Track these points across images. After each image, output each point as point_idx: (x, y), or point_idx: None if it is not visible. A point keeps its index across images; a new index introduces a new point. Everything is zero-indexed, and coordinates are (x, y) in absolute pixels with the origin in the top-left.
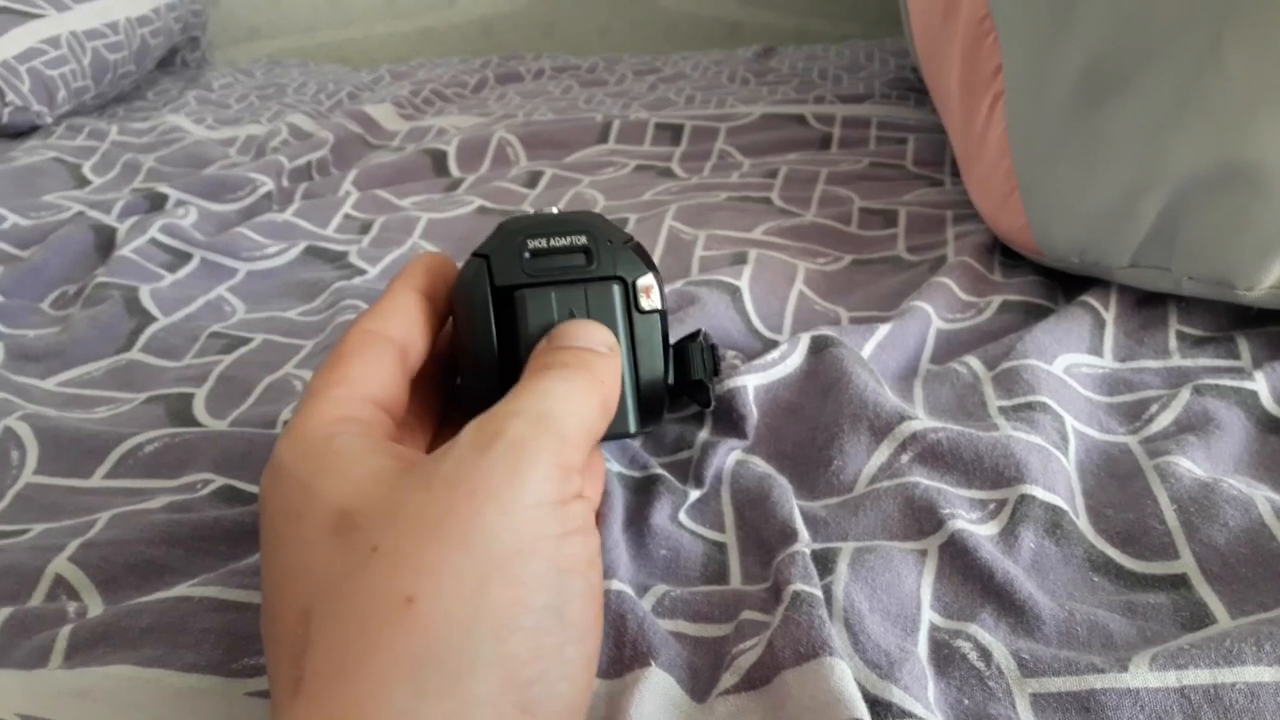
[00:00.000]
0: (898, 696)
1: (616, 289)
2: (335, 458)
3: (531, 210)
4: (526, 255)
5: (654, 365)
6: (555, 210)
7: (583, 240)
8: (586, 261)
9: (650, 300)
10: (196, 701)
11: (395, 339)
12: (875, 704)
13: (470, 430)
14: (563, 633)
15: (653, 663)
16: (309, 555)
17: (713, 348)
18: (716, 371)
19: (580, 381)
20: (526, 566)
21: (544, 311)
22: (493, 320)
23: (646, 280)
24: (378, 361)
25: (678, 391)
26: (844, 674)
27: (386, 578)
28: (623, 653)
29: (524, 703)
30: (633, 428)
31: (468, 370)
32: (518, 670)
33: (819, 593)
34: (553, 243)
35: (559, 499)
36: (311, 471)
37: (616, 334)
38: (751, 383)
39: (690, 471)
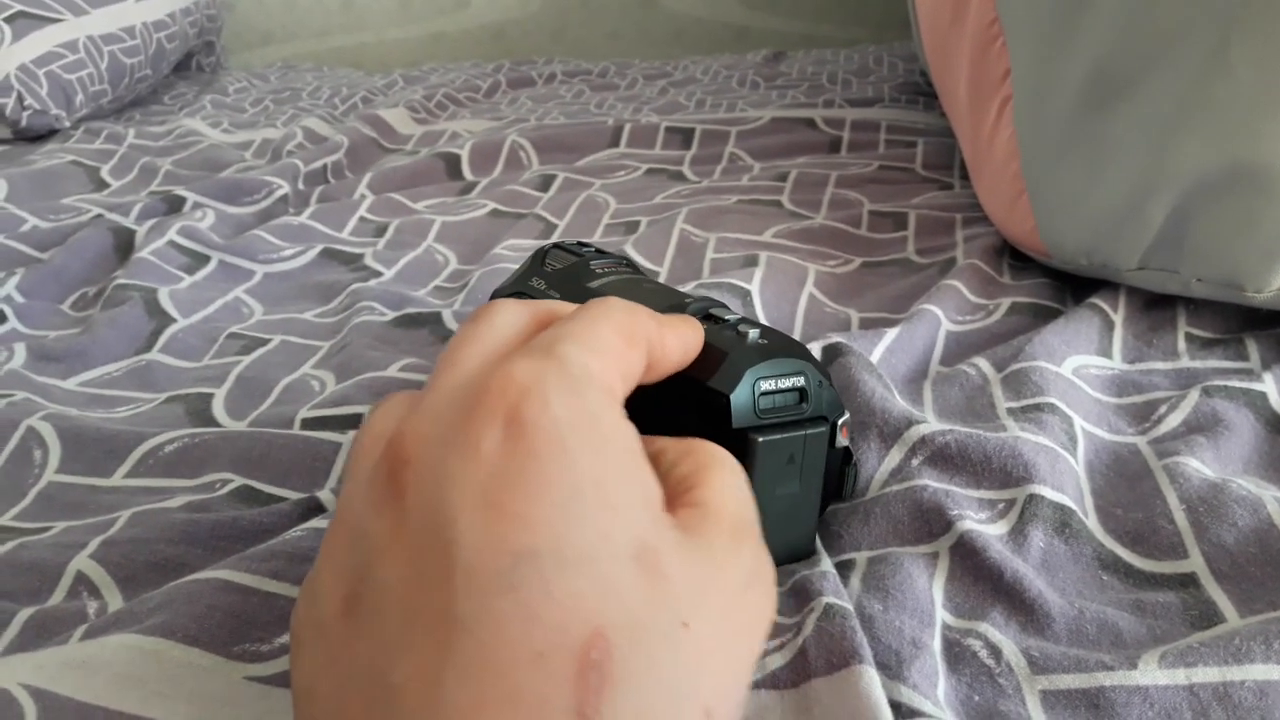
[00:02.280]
0: (905, 695)
1: (824, 432)
2: (634, 456)
3: (586, 249)
4: (760, 396)
5: (831, 492)
6: (624, 263)
7: (801, 382)
8: (800, 400)
9: (844, 438)
10: (196, 678)
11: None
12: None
13: (725, 541)
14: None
15: None
16: (611, 561)
17: (856, 463)
18: (858, 481)
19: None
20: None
21: (769, 455)
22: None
23: (845, 421)
24: (636, 369)
25: None
26: (873, 680)
27: (695, 674)
28: None
29: None
30: (807, 548)
31: None
32: None
33: (850, 606)
34: (779, 384)
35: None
36: (622, 452)
37: (814, 473)
38: None
39: None
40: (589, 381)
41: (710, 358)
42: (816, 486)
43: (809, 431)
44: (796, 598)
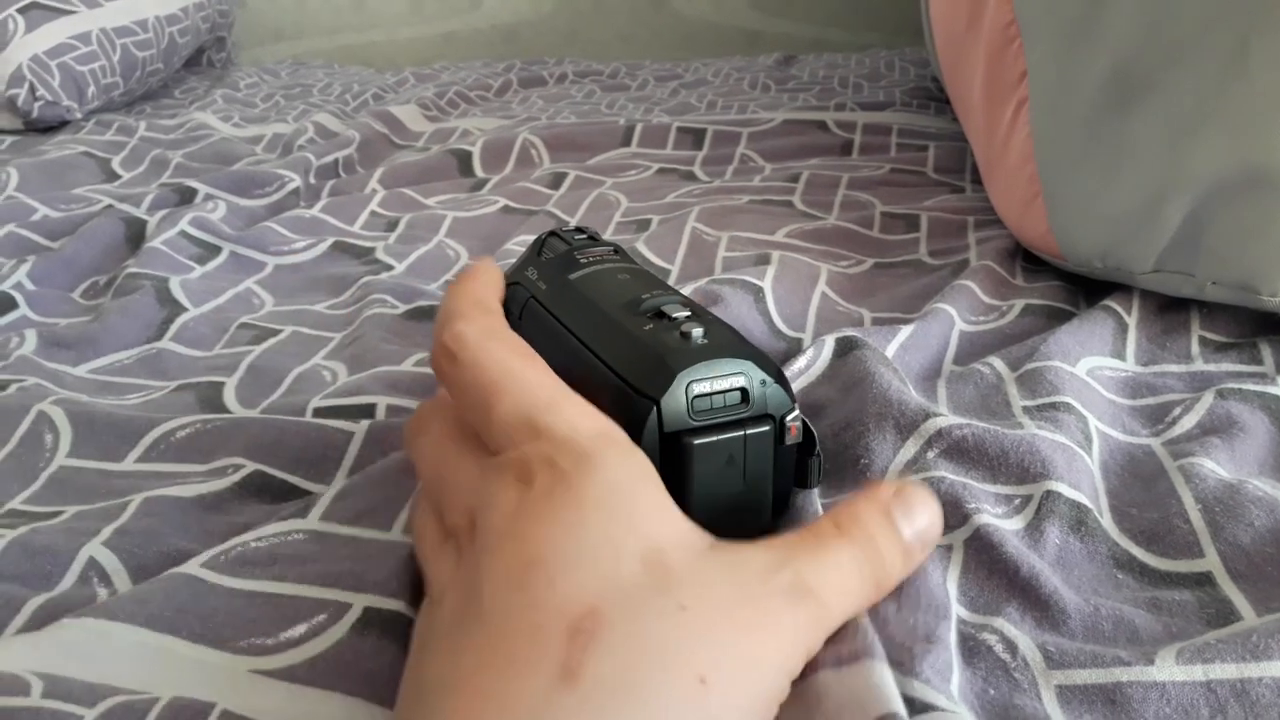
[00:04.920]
0: (918, 690)
1: (769, 431)
2: (646, 480)
3: (588, 237)
4: (691, 399)
5: (784, 482)
6: (619, 254)
7: (740, 383)
8: (742, 400)
9: (793, 436)
10: (201, 671)
11: None
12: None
13: (786, 578)
14: None
15: None
16: (616, 563)
17: (819, 453)
18: (821, 471)
19: (867, 571)
20: (770, 711)
21: (707, 459)
22: (660, 464)
23: (794, 418)
24: None
25: None
26: (884, 674)
27: (686, 645)
28: None
29: None
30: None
31: None
32: None
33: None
34: (715, 385)
35: (794, 673)
36: (629, 481)
37: (755, 474)
38: None
39: None
40: (578, 432)
41: (646, 361)
42: (764, 485)
43: (749, 431)
44: None
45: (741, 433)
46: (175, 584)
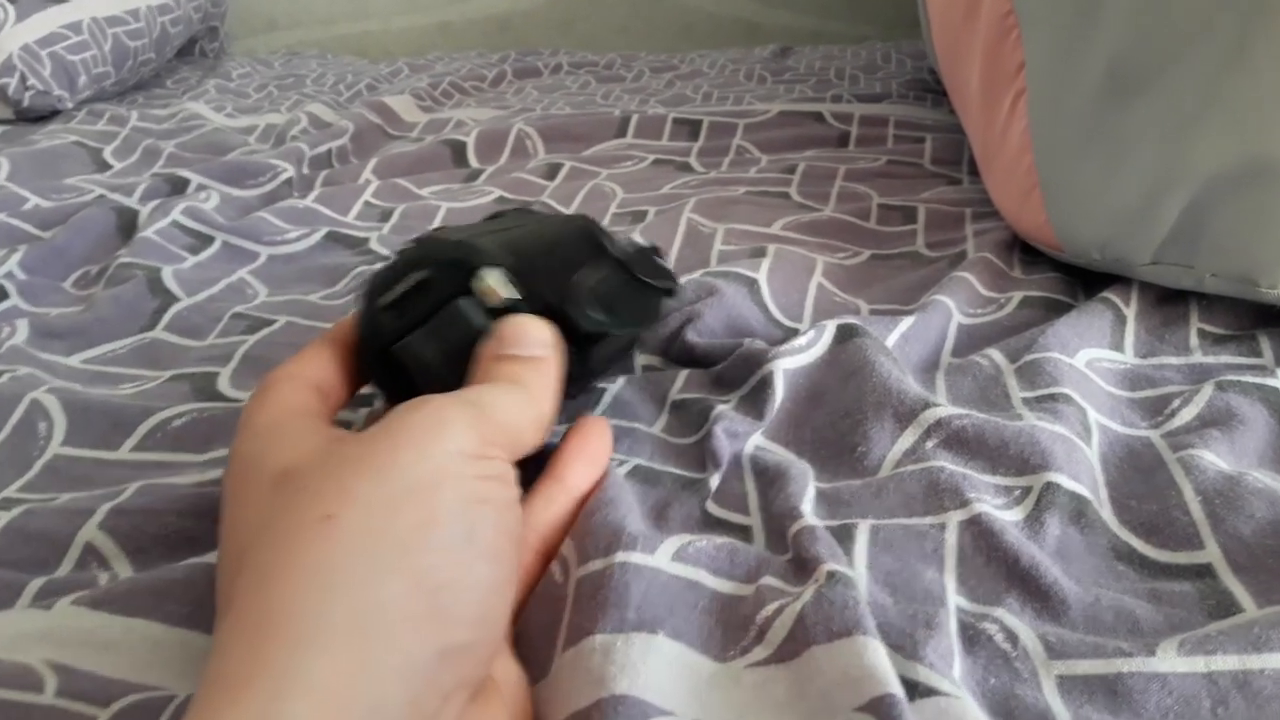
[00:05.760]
0: (923, 674)
1: (464, 305)
2: (283, 435)
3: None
4: (383, 312)
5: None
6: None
7: (420, 275)
8: (429, 293)
9: (496, 297)
10: None
11: (310, 380)
12: (902, 683)
13: (401, 406)
14: (471, 552)
15: (659, 632)
16: (253, 508)
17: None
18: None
19: (516, 395)
20: (437, 495)
21: (422, 352)
22: (394, 376)
23: (483, 282)
24: (299, 393)
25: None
26: (877, 651)
27: (309, 504)
28: (625, 616)
29: (433, 607)
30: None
31: None
32: (425, 577)
33: (851, 573)
34: (399, 290)
35: (474, 453)
36: (262, 448)
37: (472, 349)
38: (781, 366)
39: (707, 454)
40: (246, 414)
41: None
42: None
43: (442, 314)
44: (798, 568)
45: (436, 317)
46: (192, 571)
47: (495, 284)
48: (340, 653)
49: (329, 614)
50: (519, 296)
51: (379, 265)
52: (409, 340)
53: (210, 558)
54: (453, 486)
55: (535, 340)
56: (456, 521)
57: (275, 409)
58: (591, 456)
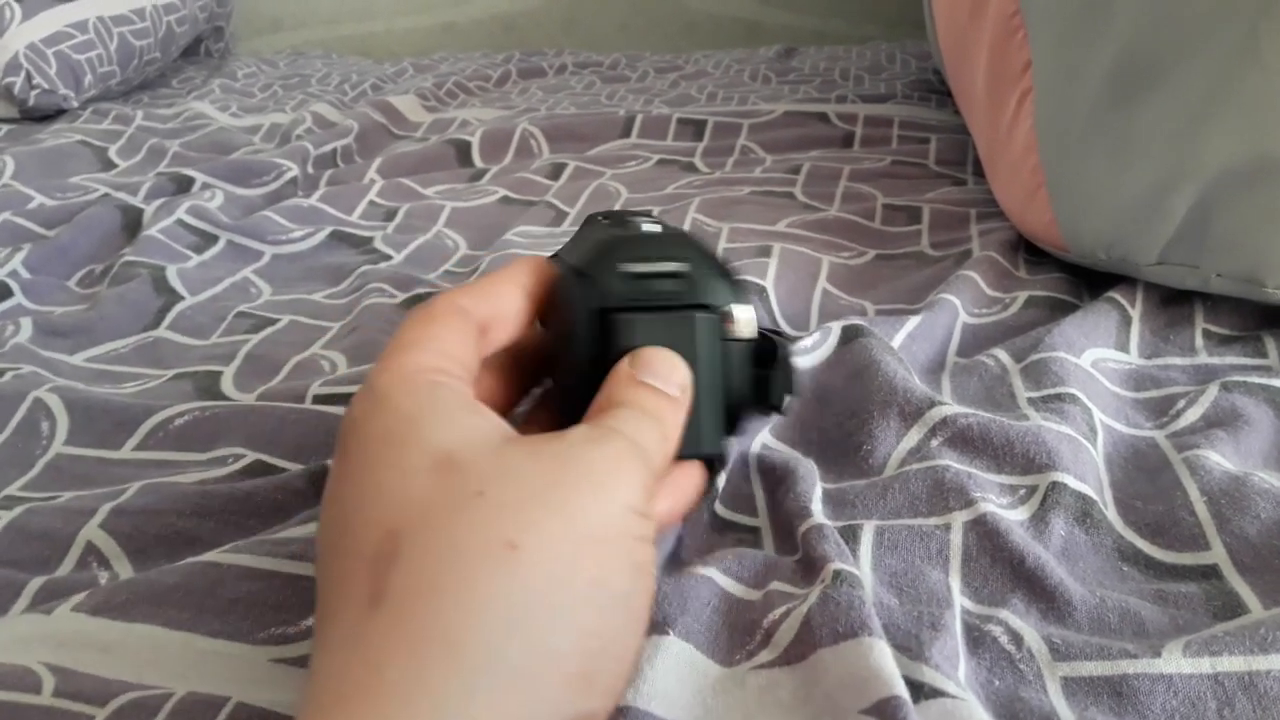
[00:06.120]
0: (929, 675)
1: (706, 319)
2: (440, 402)
3: (624, 212)
4: (627, 278)
5: (737, 390)
6: (653, 219)
7: (681, 267)
8: (682, 288)
9: (737, 329)
10: (220, 664)
11: (478, 318)
12: (907, 684)
13: (581, 430)
14: (626, 619)
15: (670, 632)
16: (405, 482)
17: (791, 367)
18: (791, 390)
19: (654, 428)
20: (611, 553)
21: (638, 337)
22: (593, 339)
23: (737, 311)
24: (460, 334)
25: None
26: (883, 653)
27: (490, 521)
28: None
29: (587, 670)
30: (709, 447)
31: (563, 376)
32: (588, 639)
33: (858, 572)
34: (652, 268)
35: (640, 510)
36: (417, 407)
37: (697, 362)
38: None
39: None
40: (376, 376)
41: (592, 248)
42: (712, 380)
43: (684, 314)
44: (806, 569)
45: (677, 314)
46: (192, 574)
47: (744, 323)
48: (505, 694)
49: (504, 653)
50: (754, 341)
51: (615, 210)
52: (639, 319)
53: (210, 556)
54: (623, 546)
55: (680, 381)
56: (621, 584)
57: (437, 357)
58: (678, 488)
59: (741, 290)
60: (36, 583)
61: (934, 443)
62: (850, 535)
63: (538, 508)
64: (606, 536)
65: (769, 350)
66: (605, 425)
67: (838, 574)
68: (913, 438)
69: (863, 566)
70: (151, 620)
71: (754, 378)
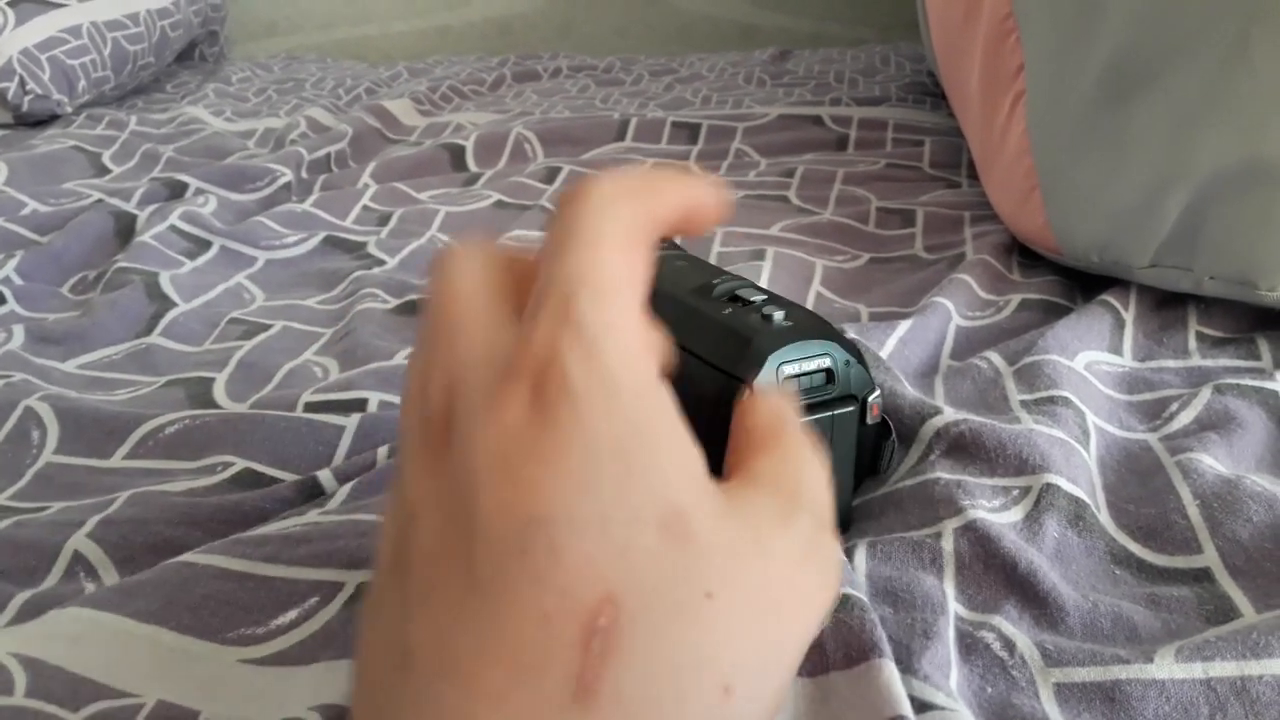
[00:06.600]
0: (917, 688)
1: (850, 415)
2: (665, 415)
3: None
4: (782, 381)
5: (861, 469)
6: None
7: (826, 363)
8: (827, 381)
9: (874, 416)
10: (190, 664)
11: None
12: None
13: (804, 532)
14: (777, 701)
15: None
16: (629, 531)
17: (894, 438)
18: (894, 455)
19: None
20: (784, 696)
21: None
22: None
23: (875, 398)
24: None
25: None
26: (892, 675)
27: (717, 651)
28: None
29: None
30: (839, 526)
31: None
32: (747, 705)
33: (862, 596)
34: (803, 366)
35: (806, 649)
36: (647, 417)
37: (839, 448)
38: None
39: None
40: (608, 341)
41: (733, 344)
42: (848, 465)
43: (836, 412)
44: None
45: (830, 413)
46: (165, 570)
47: (878, 409)
48: None
49: (687, 701)
50: (883, 427)
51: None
52: (805, 423)
53: (185, 556)
54: (800, 620)
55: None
56: (793, 657)
57: (643, 314)
58: None
59: (867, 367)
60: (23, 595)
61: (932, 457)
62: (848, 556)
63: (758, 645)
64: (786, 685)
65: (884, 422)
66: (815, 541)
67: (846, 598)
68: (911, 458)
69: (857, 580)
70: (120, 610)
71: (872, 449)
